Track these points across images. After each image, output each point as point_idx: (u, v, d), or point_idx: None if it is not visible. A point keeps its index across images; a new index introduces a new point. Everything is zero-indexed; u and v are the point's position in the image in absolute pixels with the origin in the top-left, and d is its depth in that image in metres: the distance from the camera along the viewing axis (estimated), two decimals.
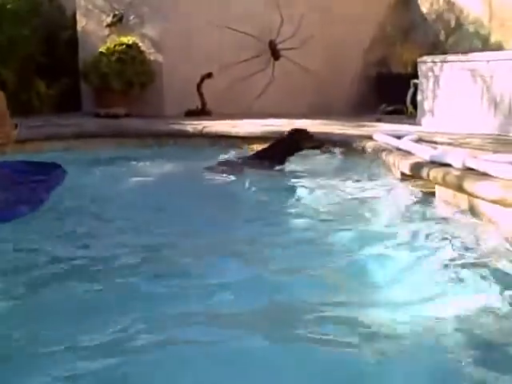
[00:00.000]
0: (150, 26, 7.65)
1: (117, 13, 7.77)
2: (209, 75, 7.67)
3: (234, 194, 4.27)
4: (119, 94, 7.58)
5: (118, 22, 7.75)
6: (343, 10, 8.10)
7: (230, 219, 3.63)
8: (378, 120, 7.09)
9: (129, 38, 7.70)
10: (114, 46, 7.62)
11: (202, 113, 7.68)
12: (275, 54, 8.18)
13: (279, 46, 8.16)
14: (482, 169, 3.57)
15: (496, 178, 3.43)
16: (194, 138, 6.42)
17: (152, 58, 7.71)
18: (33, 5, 7.77)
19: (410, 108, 7.27)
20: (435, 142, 5.29)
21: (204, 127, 6.59)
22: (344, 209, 3.82)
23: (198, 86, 7.73)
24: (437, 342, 2.11)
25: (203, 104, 7.77)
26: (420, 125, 6.80)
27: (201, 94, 7.76)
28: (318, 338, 2.13)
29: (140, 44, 7.71)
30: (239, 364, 1.96)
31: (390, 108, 7.64)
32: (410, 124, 6.74)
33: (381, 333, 2.19)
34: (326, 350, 2.06)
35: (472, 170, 3.64)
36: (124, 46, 7.60)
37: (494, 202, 3.25)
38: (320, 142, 5.22)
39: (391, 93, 7.57)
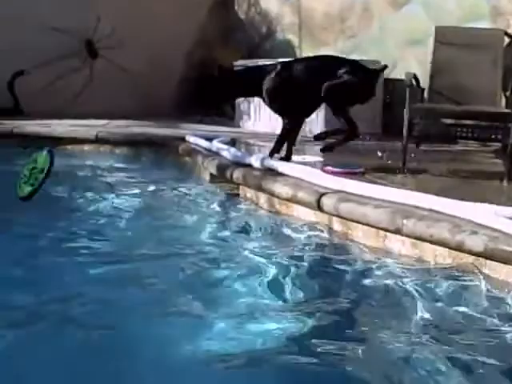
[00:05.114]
0: None
1: None
2: (21, 73, 7.26)
3: None
4: None
5: None
6: (163, 10, 8.05)
7: None
8: (200, 122, 7.17)
9: None
10: None
11: (14, 112, 7.24)
12: (93, 53, 7.95)
13: (98, 45, 7.94)
14: (278, 168, 3.75)
15: (290, 176, 3.63)
16: (1, 139, 6.03)
17: None
18: None
19: (229, 110, 7.43)
20: (249, 144, 5.49)
21: (14, 127, 6.24)
22: (156, 207, 3.93)
23: (10, 84, 7.29)
24: None
25: (16, 103, 7.35)
26: (239, 126, 7.02)
27: (13, 93, 7.33)
28: None
29: None
30: None
31: (211, 110, 7.73)
32: (229, 126, 6.92)
33: None
34: None
35: (271, 170, 3.82)
36: None
37: (286, 199, 3.44)
38: None
39: (212, 95, 7.66)
